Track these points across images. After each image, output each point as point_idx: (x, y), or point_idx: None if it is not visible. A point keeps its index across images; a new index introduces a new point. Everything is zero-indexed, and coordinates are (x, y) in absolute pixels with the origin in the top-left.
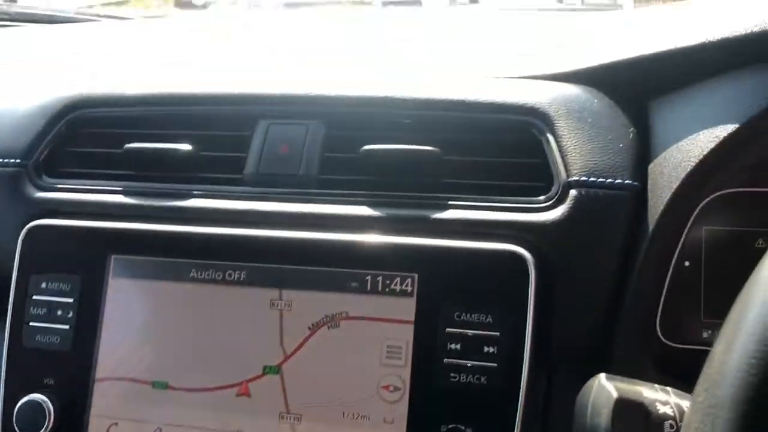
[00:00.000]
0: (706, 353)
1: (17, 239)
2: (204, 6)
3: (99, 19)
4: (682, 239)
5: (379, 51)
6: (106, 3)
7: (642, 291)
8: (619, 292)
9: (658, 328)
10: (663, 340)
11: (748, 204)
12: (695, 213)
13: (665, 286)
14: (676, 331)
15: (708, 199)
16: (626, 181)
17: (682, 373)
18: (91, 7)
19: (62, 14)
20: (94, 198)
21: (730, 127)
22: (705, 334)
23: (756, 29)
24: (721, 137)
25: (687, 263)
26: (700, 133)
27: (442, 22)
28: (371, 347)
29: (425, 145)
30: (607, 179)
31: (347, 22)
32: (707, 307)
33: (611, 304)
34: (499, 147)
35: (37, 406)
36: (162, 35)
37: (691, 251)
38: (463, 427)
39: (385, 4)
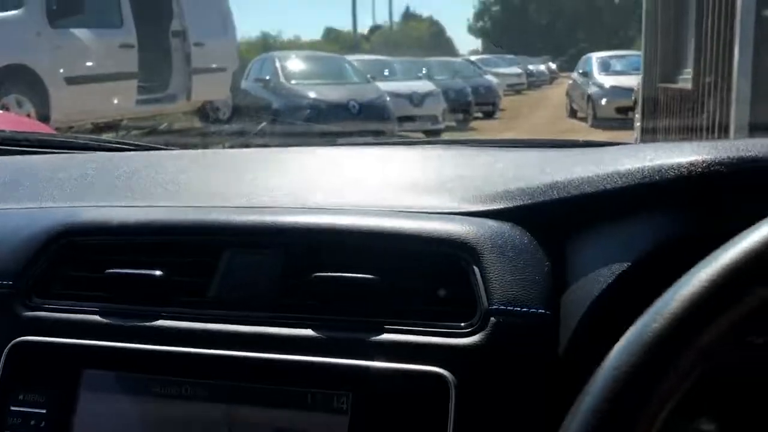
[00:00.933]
0: None
1: (2, 353)
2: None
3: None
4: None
5: (332, 182)
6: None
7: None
8: (535, 414)
9: None
10: None
11: None
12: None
13: None
14: None
15: None
16: (540, 311)
17: None
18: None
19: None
20: (75, 317)
21: (625, 265)
22: None
23: (645, 180)
24: (617, 273)
25: None
26: (603, 268)
27: (389, 158)
28: None
29: (368, 272)
30: (523, 308)
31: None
32: None
33: (527, 426)
34: (432, 276)
35: None
36: (153, 166)
37: None
38: None
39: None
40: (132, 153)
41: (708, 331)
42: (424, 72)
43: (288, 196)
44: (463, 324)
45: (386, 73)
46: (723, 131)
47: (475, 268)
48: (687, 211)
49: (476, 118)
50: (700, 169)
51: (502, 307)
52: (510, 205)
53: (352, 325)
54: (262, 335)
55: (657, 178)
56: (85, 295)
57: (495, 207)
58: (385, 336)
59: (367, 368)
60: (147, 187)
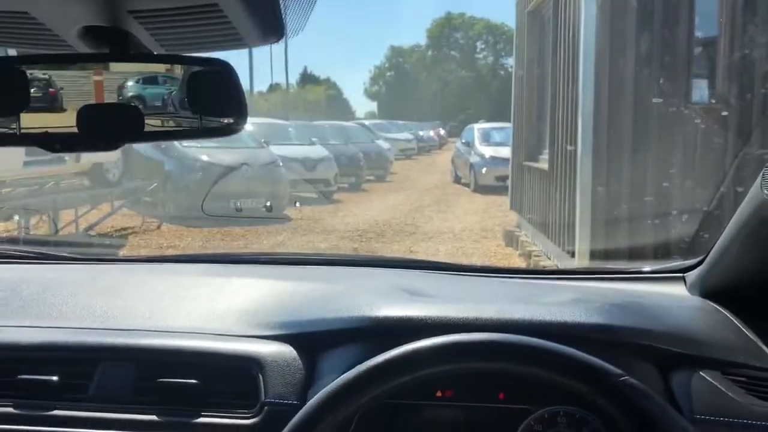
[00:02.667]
0: None
1: None
2: None
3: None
4: None
5: (180, 305)
6: None
7: None
8: None
9: None
10: None
11: None
12: None
13: None
14: None
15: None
16: (294, 402)
17: None
18: None
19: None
20: None
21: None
22: None
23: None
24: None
25: None
26: (333, 375)
27: (238, 280)
28: None
29: (192, 377)
30: (284, 401)
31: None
32: None
33: None
34: (232, 379)
35: None
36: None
37: None
38: None
39: None
40: (37, 267)
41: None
42: (316, 139)
43: (146, 319)
44: (248, 411)
45: (280, 136)
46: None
47: (260, 375)
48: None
49: (368, 181)
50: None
51: (275, 400)
52: (285, 332)
53: (179, 412)
54: (122, 420)
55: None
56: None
57: (275, 333)
58: (200, 419)
59: None
60: (45, 309)
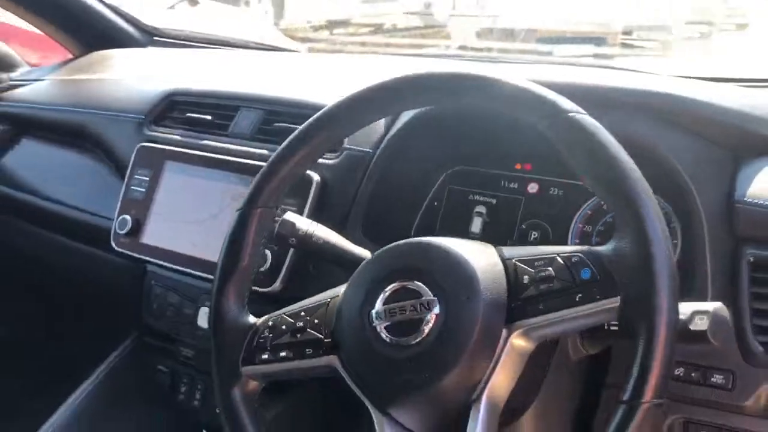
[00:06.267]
0: None
1: (134, 151)
2: None
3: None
4: None
5: None
6: None
7: None
8: None
9: None
10: None
11: None
12: None
13: None
14: None
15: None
16: None
17: None
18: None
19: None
20: (171, 136)
21: None
22: None
23: None
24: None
25: None
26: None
27: None
28: None
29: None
30: (363, 149)
31: None
32: None
33: None
34: None
35: None
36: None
37: None
38: None
39: None
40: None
41: None
42: None
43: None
44: (333, 154)
45: None
46: None
47: None
48: None
49: None
50: None
51: (352, 146)
52: None
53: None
54: (245, 151)
55: None
56: (180, 126)
57: None
58: None
59: None
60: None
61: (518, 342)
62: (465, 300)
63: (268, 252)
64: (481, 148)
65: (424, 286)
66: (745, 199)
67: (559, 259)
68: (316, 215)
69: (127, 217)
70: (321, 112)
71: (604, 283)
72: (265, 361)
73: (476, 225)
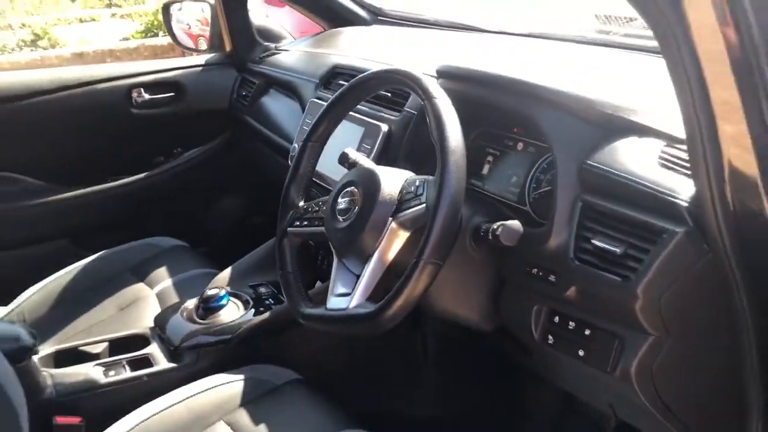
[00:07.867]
0: None
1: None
2: None
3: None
4: None
5: None
6: None
7: None
8: None
9: None
10: None
11: None
12: None
13: None
14: None
15: None
16: None
17: None
18: None
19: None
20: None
21: None
22: None
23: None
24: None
25: None
26: None
27: None
28: None
29: None
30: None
31: None
32: None
33: None
34: None
35: None
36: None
37: None
38: None
39: None
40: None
41: None
42: None
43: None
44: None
45: None
46: None
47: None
48: None
49: None
50: None
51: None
52: None
53: None
54: None
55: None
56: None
57: None
58: None
59: None
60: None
61: (394, 226)
62: (374, 201)
63: None
64: (494, 115)
65: (357, 191)
66: (590, 162)
67: (417, 182)
68: (383, 152)
69: (296, 145)
70: (350, 83)
71: (429, 189)
72: (298, 227)
73: (485, 168)
